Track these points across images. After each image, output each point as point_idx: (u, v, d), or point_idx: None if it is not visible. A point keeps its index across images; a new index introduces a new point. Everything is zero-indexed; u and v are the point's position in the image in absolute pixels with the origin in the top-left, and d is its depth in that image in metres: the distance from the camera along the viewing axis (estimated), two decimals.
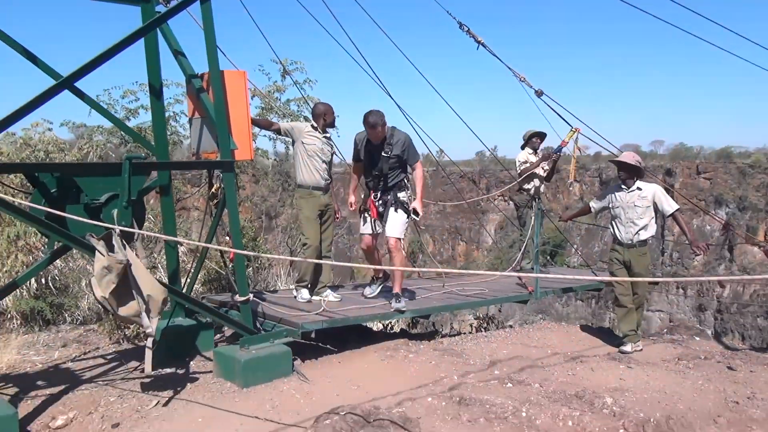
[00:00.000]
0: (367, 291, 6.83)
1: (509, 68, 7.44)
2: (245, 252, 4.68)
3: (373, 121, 5.97)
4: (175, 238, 4.66)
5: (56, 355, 6.46)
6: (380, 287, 6.87)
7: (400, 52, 7.59)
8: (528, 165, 8.21)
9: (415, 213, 6.20)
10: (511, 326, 8.98)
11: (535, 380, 4.85)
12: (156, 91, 5.74)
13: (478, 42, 7.37)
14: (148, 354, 4.52)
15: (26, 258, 8.06)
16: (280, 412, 4.47)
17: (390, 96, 7.17)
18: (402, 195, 6.25)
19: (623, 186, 6.38)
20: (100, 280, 4.29)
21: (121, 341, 6.85)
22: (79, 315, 8.27)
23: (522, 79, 7.51)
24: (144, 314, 4.45)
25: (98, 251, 4.31)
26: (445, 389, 4.74)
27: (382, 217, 6.26)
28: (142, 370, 5.57)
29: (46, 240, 8.45)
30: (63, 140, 9.40)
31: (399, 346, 5.97)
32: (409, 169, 6.33)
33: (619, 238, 6.36)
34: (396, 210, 6.19)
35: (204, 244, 4.72)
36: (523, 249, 8.16)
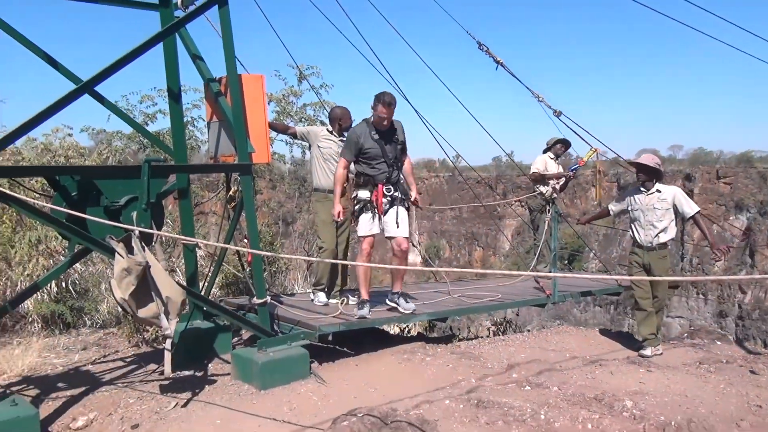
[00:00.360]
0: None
1: (528, 88, 7.50)
2: (262, 252, 4.70)
3: (391, 99, 5.63)
4: (194, 240, 4.68)
5: (76, 358, 6.52)
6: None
7: (418, 57, 7.60)
8: (539, 171, 8.19)
9: (416, 204, 6.05)
10: (528, 330, 8.94)
11: (553, 383, 4.82)
12: (174, 95, 5.80)
13: (497, 62, 7.37)
14: (167, 356, 4.55)
15: (47, 262, 8.17)
16: (298, 414, 4.48)
17: (408, 101, 7.15)
18: (406, 193, 5.94)
19: (642, 188, 6.31)
20: (120, 281, 4.33)
21: (140, 344, 6.91)
22: (98, 318, 8.36)
23: (540, 99, 7.55)
24: (163, 316, 4.48)
25: (118, 253, 4.35)
26: (463, 392, 4.72)
27: (384, 214, 5.81)
28: (161, 373, 5.61)
29: (67, 244, 8.63)
30: (83, 146, 9.52)
31: (416, 349, 5.95)
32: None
33: (638, 240, 6.28)
34: (406, 208, 5.88)
35: (222, 245, 4.73)
36: (537, 253, 8.13)
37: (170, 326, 4.52)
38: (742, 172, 54.38)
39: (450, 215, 58.65)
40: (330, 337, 5.80)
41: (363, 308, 5.78)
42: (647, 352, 6.06)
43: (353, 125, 5.99)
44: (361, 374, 5.34)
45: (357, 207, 5.84)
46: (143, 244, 4.47)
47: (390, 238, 5.81)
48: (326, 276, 6.39)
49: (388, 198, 5.78)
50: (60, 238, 8.42)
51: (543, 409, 4.13)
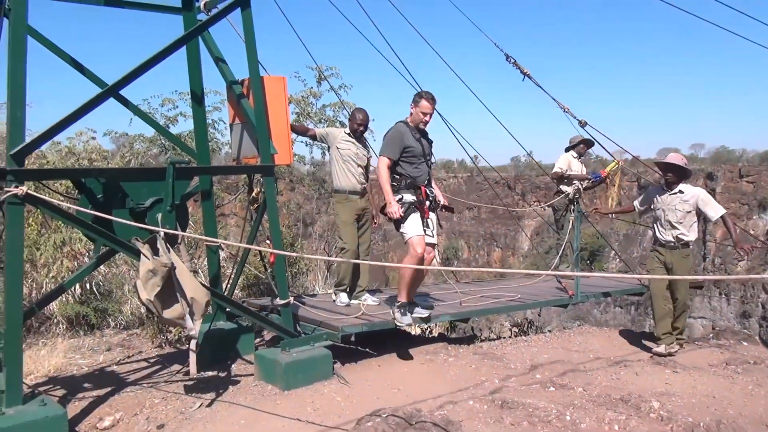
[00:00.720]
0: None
1: (554, 99, 7.56)
2: (285, 252, 4.71)
3: (433, 95, 5.57)
4: (218, 240, 4.71)
5: (101, 359, 6.60)
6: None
7: (437, 54, 7.57)
8: (561, 170, 8.17)
9: (448, 209, 5.87)
10: (550, 331, 8.89)
11: (578, 384, 4.78)
12: (197, 97, 5.85)
13: (524, 73, 7.43)
14: (192, 357, 4.59)
15: (71, 264, 8.27)
16: (322, 415, 4.49)
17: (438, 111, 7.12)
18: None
19: (666, 188, 6.28)
20: (146, 282, 4.37)
21: (164, 345, 6.97)
22: (122, 320, 8.44)
23: (566, 109, 7.63)
24: (188, 317, 4.52)
25: (143, 255, 4.40)
26: (486, 393, 4.70)
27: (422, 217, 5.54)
28: (185, 373, 5.66)
29: (91, 246, 8.73)
30: (106, 149, 9.63)
31: (438, 349, 5.94)
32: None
33: (660, 239, 6.26)
34: (436, 212, 5.75)
35: (245, 245, 4.75)
36: (560, 253, 8.08)
37: (195, 327, 4.56)
38: (765, 171, 53.56)
39: (468, 215, 58.49)
40: (352, 338, 5.79)
41: (406, 314, 5.55)
42: (660, 349, 6.02)
43: (391, 129, 5.67)
44: (384, 375, 5.34)
45: (404, 209, 5.43)
46: (168, 245, 4.51)
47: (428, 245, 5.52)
48: (348, 277, 6.40)
49: (430, 200, 5.63)
50: (84, 240, 8.53)
51: (568, 410, 4.10)
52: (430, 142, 5.73)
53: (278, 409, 4.63)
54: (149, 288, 4.37)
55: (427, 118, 5.56)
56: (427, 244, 5.46)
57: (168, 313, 4.49)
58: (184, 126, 9.42)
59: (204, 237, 4.21)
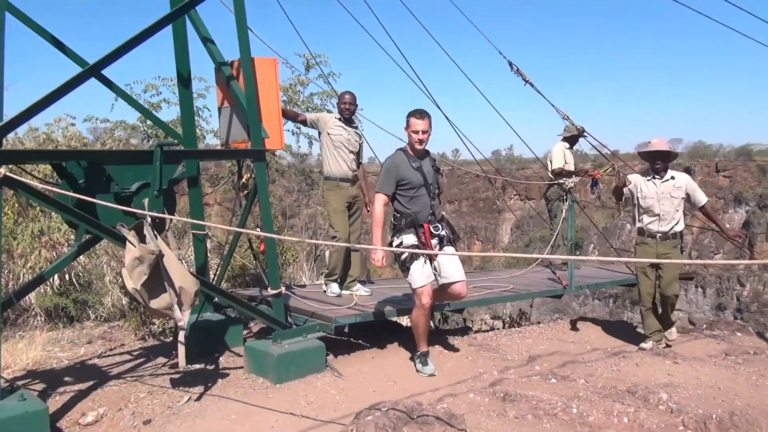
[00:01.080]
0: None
1: (554, 106, 7.72)
2: (280, 237, 4.49)
3: (422, 110, 4.93)
4: (211, 224, 4.46)
5: (82, 352, 6.36)
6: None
7: (443, 50, 7.39)
8: (562, 167, 8.04)
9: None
10: (539, 323, 8.80)
11: (579, 376, 4.67)
12: (184, 80, 5.61)
13: (527, 81, 7.48)
14: (181, 348, 4.39)
15: (50, 254, 7.99)
16: (316, 409, 4.32)
17: (433, 100, 6.97)
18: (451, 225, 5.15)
19: (656, 176, 5.85)
20: (132, 271, 4.15)
21: (147, 337, 6.74)
22: (102, 312, 8.18)
23: (565, 116, 7.82)
24: (176, 307, 4.31)
25: (129, 241, 4.18)
26: (486, 385, 4.57)
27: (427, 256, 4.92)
28: (172, 366, 5.46)
29: (70, 236, 8.44)
30: (86, 137, 9.31)
31: (432, 341, 5.79)
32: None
33: (650, 230, 5.84)
34: (454, 247, 5.07)
35: (240, 230, 4.49)
36: (552, 242, 7.98)
37: (183, 317, 4.36)
38: (741, 166, 54.31)
39: (449, 209, 58.53)
40: (346, 329, 5.63)
41: (427, 363, 5.02)
42: (647, 345, 5.83)
43: (387, 158, 5.10)
44: (379, 367, 5.18)
45: (404, 256, 4.88)
46: (155, 232, 4.30)
47: (448, 285, 4.97)
48: (339, 266, 6.23)
49: (437, 238, 4.94)
50: (63, 229, 8.25)
51: (574, 403, 3.98)
52: (437, 170, 5.04)
53: (270, 403, 4.45)
54: (135, 276, 4.16)
55: (420, 136, 4.85)
56: (454, 283, 4.94)
57: (155, 303, 4.28)
58: (168, 114, 9.15)
59: (195, 221, 3.96)
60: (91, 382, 5.13)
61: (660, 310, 5.95)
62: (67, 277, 7.95)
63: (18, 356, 5.84)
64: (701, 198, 5.93)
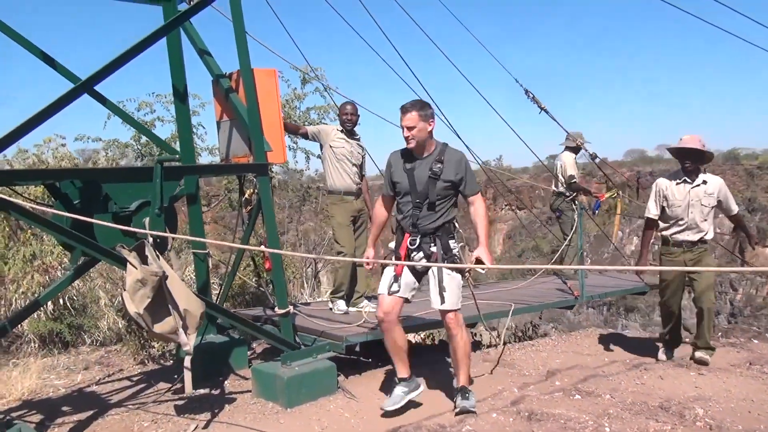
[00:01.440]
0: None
1: (567, 132, 7.78)
2: (288, 252, 4.26)
3: (409, 104, 4.18)
4: (216, 241, 4.22)
5: (79, 379, 6.13)
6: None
7: (446, 58, 7.24)
8: (575, 180, 7.91)
9: (479, 263, 4.10)
10: (546, 335, 8.61)
11: (603, 391, 4.47)
12: (180, 94, 5.44)
13: (542, 108, 7.52)
14: (187, 374, 4.17)
15: (42, 278, 7.73)
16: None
17: (440, 111, 6.80)
18: (453, 244, 4.27)
19: (687, 179, 5.24)
20: (134, 294, 3.93)
21: (146, 361, 6.51)
22: (98, 336, 7.93)
23: (580, 143, 7.91)
24: (181, 330, 4.09)
25: (130, 263, 3.97)
26: (508, 404, 4.36)
27: (417, 276, 4.32)
28: (175, 392, 5.23)
29: (63, 259, 8.19)
30: (77, 158, 9.08)
31: (445, 358, 5.58)
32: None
33: (675, 239, 5.27)
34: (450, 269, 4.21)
35: (248, 247, 4.22)
36: (561, 252, 7.83)
37: (189, 342, 4.13)
38: (729, 170, 54.44)
39: None
40: (357, 348, 5.42)
41: (468, 398, 4.26)
42: (662, 356, 5.52)
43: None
44: (392, 387, 4.95)
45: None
46: (157, 252, 4.09)
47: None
48: (346, 282, 6.01)
49: (422, 253, 4.23)
50: (56, 253, 8.00)
51: (605, 421, 3.78)
52: (435, 175, 4.15)
53: (282, 429, 4.24)
54: (137, 300, 3.94)
55: (406, 133, 4.15)
56: (396, 296, 4.25)
57: (159, 327, 4.05)
58: (162, 131, 8.91)
59: (199, 239, 3.72)
60: (91, 412, 4.90)
61: (696, 321, 5.46)
62: (60, 301, 7.69)
63: (12, 385, 5.60)
64: (734, 206, 5.36)
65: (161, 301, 4.02)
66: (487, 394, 4.63)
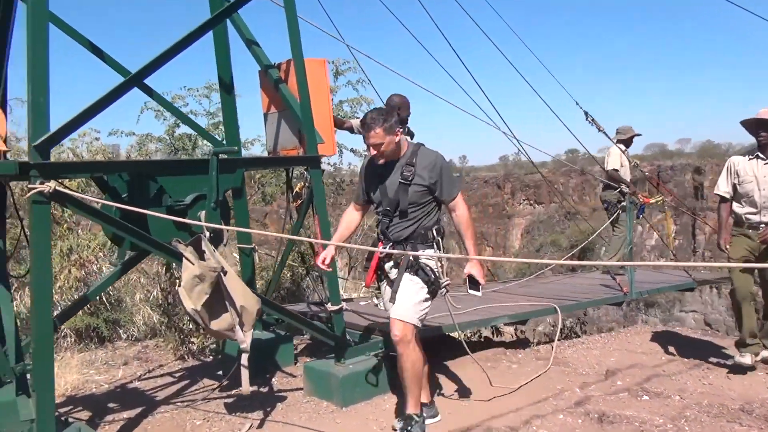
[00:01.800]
0: None
1: (623, 152, 7.83)
2: (343, 244, 4.01)
3: (370, 117, 3.72)
4: (272, 233, 4.01)
5: (120, 374, 6.05)
6: None
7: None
8: (617, 171, 7.76)
9: (473, 283, 3.71)
10: (584, 333, 8.46)
11: (671, 392, 4.31)
12: (226, 85, 5.30)
13: (600, 129, 7.63)
14: (245, 372, 4.06)
15: (79, 272, 7.69)
16: None
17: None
18: (427, 252, 3.78)
19: (760, 155, 4.90)
20: (191, 290, 3.83)
21: (186, 357, 6.42)
22: (134, 331, 7.87)
23: (636, 164, 8.16)
24: (238, 328, 3.99)
25: (187, 258, 3.86)
26: (572, 404, 4.21)
27: (391, 285, 3.87)
28: (221, 389, 5.13)
29: (99, 254, 8.14)
30: (110, 152, 8.99)
31: (497, 355, 5.46)
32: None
33: (750, 221, 4.91)
34: (413, 275, 3.73)
35: (307, 239, 3.96)
36: (620, 247, 7.73)
37: (246, 339, 4.03)
38: None
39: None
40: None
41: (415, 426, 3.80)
42: (746, 360, 4.76)
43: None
44: (447, 385, 4.83)
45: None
46: (213, 247, 3.98)
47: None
48: None
49: (390, 264, 3.90)
50: (93, 247, 7.96)
51: (683, 424, 3.62)
52: (406, 180, 3.72)
53: (339, 429, 4.12)
54: (195, 296, 3.83)
55: (372, 152, 3.81)
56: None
57: (216, 324, 3.95)
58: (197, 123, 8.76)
59: (255, 230, 3.48)
60: (139, 409, 4.81)
61: (763, 315, 5.12)
62: (97, 296, 7.65)
63: (55, 381, 5.52)
64: None
65: (218, 298, 3.91)
66: (547, 394, 4.48)
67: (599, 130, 7.52)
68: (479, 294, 3.61)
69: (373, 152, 3.77)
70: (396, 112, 4.24)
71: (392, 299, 3.78)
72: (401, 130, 3.79)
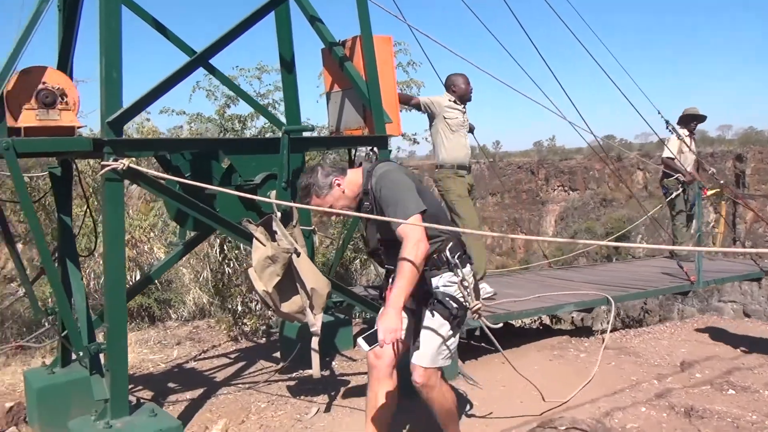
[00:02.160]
0: None
1: (693, 152, 7.77)
2: (419, 224, 3.49)
3: (299, 195, 3.28)
4: (345, 212, 3.56)
5: (174, 354, 6.05)
6: None
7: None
8: (673, 158, 7.55)
9: (370, 336, 2.79)
10: (637, 323, 8.25)
11: (758, 386, 4.10)
12: (287, 64, 5.18)
13: (680, 138, 7.50)
14: (315, 356, 3.96)
15: (131, 252, 7.70)
16: (463, 423, 3.84)
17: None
18: (444, 281, 3.10)
19: None
20: (262, 271, 3.73)
21: (239, 338, 6.39)
22: (183, 311, 7.88)
23: (710, 170, 8.52)
24: (308, 310, 3.89)
25: (257, 239, 3.76)
26: (652, 396, 4.04)
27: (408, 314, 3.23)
28: (281, 371, 5.08)
29: (150, 234, 8.15)
30: (161, 132, 8.96)
31: (563, 344, 5.29)
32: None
33: None
34: (431, 312, 3.09)
35: (391, 219, 3.30)
36: (686, 234, 7.52)
37: (316, 322, 3.93)
38: None
39: (492, 201, 57.59)
40: (477, 332, 5.15)
41: None
42: None
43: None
44: (514, 374, 4.66)
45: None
46: (284, 228, 3.88)
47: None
48: (485, 259, 5.69)
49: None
50: (144, 227, 7.97)
51: None
52: (372, 212, 3.12)
53: (408, 415, 4.00)
54: (266, 278, 3.73)
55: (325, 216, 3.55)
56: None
57: (286, 307, 3.85)
58: (241, 107, 8.66)
59: (340, 211, 3.20)
60: (200, 390, 4.77)
61: None
62: (160, 276, 7.66)
63: None
64: None
65: (289, 280, 3.81)
66: (623, 385, 4.31)
67: (679, 137, 7.44)
68: (366, 348, 2.82)
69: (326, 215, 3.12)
70: (317, 169, 3.31)
71: (407, 330, 3.17)
72: (337, 176, 3.18)
